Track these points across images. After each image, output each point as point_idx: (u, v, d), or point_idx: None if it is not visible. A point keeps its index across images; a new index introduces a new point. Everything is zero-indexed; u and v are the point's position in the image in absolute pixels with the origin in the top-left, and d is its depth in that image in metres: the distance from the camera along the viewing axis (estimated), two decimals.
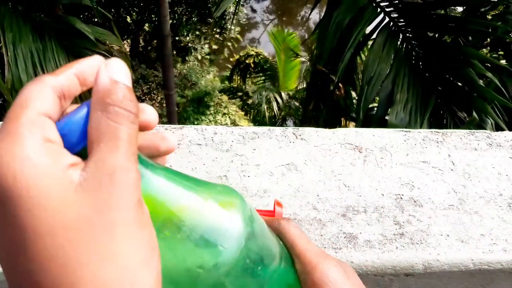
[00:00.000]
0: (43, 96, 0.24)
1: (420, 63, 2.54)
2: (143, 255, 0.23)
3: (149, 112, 0.30)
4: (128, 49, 7.34)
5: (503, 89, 2.30)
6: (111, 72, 0.25)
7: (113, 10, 6.69)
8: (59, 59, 2.85)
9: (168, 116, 5.53)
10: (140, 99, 7.17)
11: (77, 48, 2.96)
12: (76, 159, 0.24)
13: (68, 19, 2.89)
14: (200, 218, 0.28)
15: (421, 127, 2.34)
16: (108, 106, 0.24)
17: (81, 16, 5.38)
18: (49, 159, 0.22)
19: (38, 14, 2.90)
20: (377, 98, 2.64)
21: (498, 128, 2.27)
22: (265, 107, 6.64)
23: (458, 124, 2.40)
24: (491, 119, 2.31)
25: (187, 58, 8.05)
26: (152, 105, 7.12)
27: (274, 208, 0.52)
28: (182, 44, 7.79)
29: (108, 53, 3.11)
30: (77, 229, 0.21)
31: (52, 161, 0.22)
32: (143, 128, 0.30)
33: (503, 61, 3.09)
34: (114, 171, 0.23)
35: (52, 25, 2.89)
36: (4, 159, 0.21)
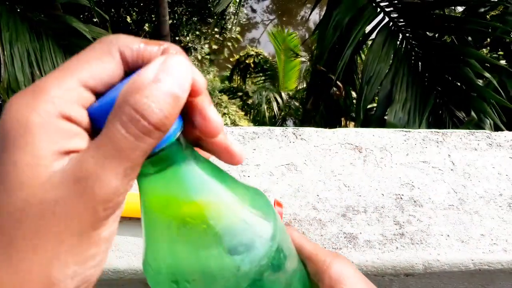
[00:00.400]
0: (102, 61, 0.22)
1: (420, 63, 2.54)
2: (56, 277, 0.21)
3: (213, 119, 0.25)
4: None
5: (501, 90, 2.30)
6: (164, 69, 0.21)
7: (113, 10, 6.69)
8: (57, 58, 2.85)
9: None
10: None
11: (75, 48, 2.96)
12: (80, 145, 0.21)
13: (65, 18, 2.89)
14: (239, 213, 0.29)
15: (419, 126, 2.34)
16: (126, 107, 0.20)
17: (81, 16, 5.38)
18: (43, 136, 0.20)
19: (35, 13, 2.90)
20: (377, 98, 2.65)
21: (496, 128, 2.27)
22: (265, 107, 6.64)
23: (457, 124, 2.40)
24: (489, 119, 2.31)
25: None
26: None
27: (275, 208, 0.52)
28: (182, 44, 7.79)
29: None
30: (24, 216, 0.20)
31: (44, 139, 0.20)
32: (205, 135, 0.26)
33: (503, 61, 3.09)
34: (82, 178, 0.20)
35: (49, 25, 2.89)
36: (12, 113, 0.20)
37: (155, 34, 7.33)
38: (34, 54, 2.77)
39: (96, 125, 0.22)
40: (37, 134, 0.20)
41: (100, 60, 0.22)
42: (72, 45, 2.96)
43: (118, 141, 0.20)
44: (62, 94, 0.21)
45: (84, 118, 0.22)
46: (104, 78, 0.22)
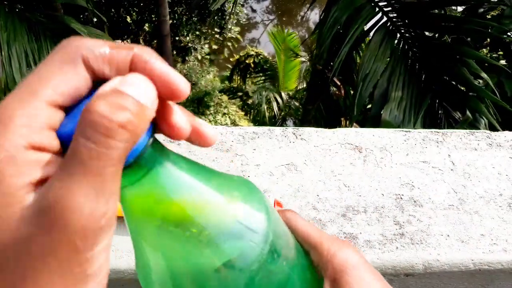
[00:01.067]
0: (64, 73, 0.20)
1: (416, 63, 2.55)
2: None
3: (207, 131, 0.25)
4: None
5: (496, 90, 2.30)
6: (122, 83, 0.20)
7: (113, 10, 6.69)
8: None
9: None
10: None
11: None
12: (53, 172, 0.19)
13: (64, 19, 2.90)
14: (227, 213, 0.27)
15: (414, 125, 2.35)
16: (86, 114, 0.18)
17: (81, 17, 5.38)
18: (12, 171, 0.18)
19: (34, 14, 2.90)
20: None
21: (491, 128, 2.27)
22: (265, 107, 6.63)
23: (453, 123, 2.41)
24: (485, 118, 2.32)
25: (187, 58, 8.05)
26: None
27: (275, 207, 0.52)
28: (182, 44, 7.79)
29: None
30: (4, 260, 0.18)
31: (13, 174, 0.18)
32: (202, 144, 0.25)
33: (502, 61, 3.09)
34: (50, 207, 0.18)
35: (48, 25, 2.89)
36: None
37: (156, 34, 7.33)
38: (32, 54, 2.77)
39: (67, 146, 0.20)
40: (4, 171, 0.18)
41: (63, 73, 0.20)
42: None
43: (80, 153, 0.18)
44: (28, 121, 0.19)
45: (55, 143, 0.20)
46: (70, 91, 0.21)
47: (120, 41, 7.17)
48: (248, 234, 0.27)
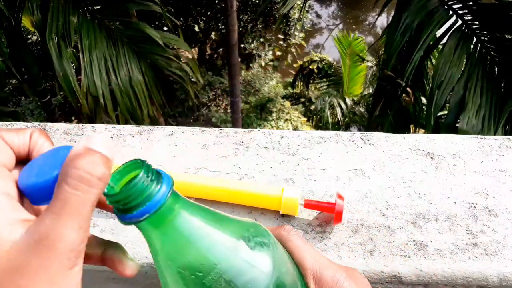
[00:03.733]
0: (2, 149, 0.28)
1: (496, 68, 2.40)
2: None
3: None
4: (196, 57, 7.59)
5: None
6: (90, 142, 0.26)
7: (181, 19, 6.95)
8: (131, 64, 3.03)
9: (233, 122, 5.67)
10: (206, 105, 7.39)
11: (147, 54, 3.12)
12: (26, 216, 0.26)
13: (138, 25, 3.06)
14: (231, 260, 0.30)
15: (495, 134, 2.21)
16: (71, 170, 0.25)
17: (152, 25, 5.65)
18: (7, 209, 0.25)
19: (112, 22, 3.09)
20: (448, 105, 2.54)
21: None
22: (328, 113, 6.55)
23: None
24: None
25: (251, 65, 8.17)
26: (217, 111, 7.32)
27: (336, 200, 0.53)
28: (246, 52, 7.92)
29: (176, 58, 3.24)
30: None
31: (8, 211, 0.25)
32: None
33: None
34: (44, 237, 0.24)
35: (124, 32, 3.07)
36: None
37: (222, 43, 7.53)
38: (110, 60, 2.96)
39: (35, 197, 0.27)
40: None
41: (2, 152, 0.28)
42: (145, 51, 3.12)
43: (68, 199, 0.24)
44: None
45: (16, 192, 0.27)
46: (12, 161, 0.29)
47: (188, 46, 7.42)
48: (257, 274, 0.31)
